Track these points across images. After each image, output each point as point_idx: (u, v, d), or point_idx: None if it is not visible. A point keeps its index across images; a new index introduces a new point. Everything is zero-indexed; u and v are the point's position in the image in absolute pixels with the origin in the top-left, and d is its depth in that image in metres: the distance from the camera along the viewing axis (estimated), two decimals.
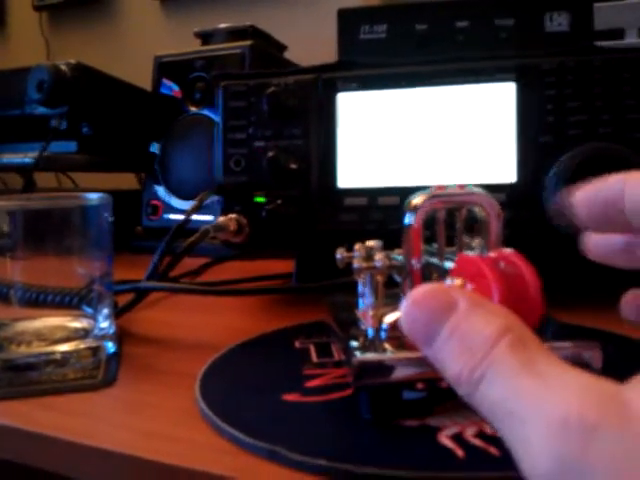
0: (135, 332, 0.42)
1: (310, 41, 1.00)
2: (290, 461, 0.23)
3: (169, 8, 1.34)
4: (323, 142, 0.46)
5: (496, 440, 0.23)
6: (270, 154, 0.46)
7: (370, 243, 0.30)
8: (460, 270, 0.24)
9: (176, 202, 0.79)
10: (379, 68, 0.47)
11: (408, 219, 0.27)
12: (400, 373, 0.25)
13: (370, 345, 0.27)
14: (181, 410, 0.29)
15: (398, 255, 0.28)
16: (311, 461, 0.23)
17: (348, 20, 0.63)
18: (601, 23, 0.67)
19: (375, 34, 0.63)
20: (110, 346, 0.37)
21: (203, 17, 1.26)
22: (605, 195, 0.22)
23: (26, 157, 0.74)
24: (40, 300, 0.35)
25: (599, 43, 0.47)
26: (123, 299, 0.43)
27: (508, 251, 0.24)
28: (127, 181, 0.91)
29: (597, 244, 0.26)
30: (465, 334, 0.17)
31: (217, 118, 0.50)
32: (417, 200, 0.27)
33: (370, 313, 0.29)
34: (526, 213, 0.43)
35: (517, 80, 0.43)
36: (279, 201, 0.46)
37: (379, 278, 0.29)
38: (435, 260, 0.28)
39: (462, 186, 0.27)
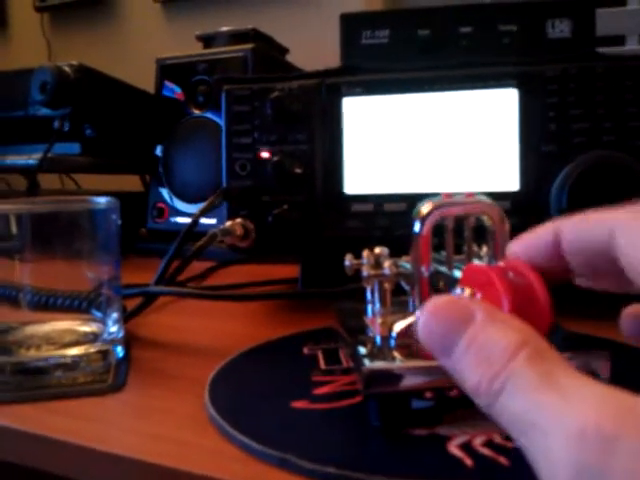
0: (143, 336, 0.42)
1: (312, 44, 1.00)
2: (300, 469, 0.23)
3: (171, 11, 1.35)
4: (328, 147, 0.46)
5: (505, 449, 0.24)
6: (275, 159, 0.46)
7: (378, 250, 0.30)
8: (469, 279, 0.24)
9: (181, 205, 0.79)
10: (383, 73, 0.47)
11: (417, 227, 0.27)
12: (409, 382, 0.25)
13: (378, 352, 0.27)
14: (190, 415, 0.29)
15: (406, 263, 0.29)
16: (321, 469, 0.23)
17: (350, 25, 0.63)
18: (602, 29, 0.68)
19: (377, 39, 0.63)
20: (119, 350, 0.37)
21: (205, 20, 1.26)
22: None
23: (30, 159, 0.74)
24: (49, 304, 0.35)
25: (600, 49, 0.47)
26: (130, 303, 0.43)
27: (516, 260, 0.24)
28: (130, 183, 0.91)
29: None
30: (483, 345, 0.17)
31: (221, 121, 0.50)
32: (426, 208, 0.27)
33: (378, 320, 0.29)
34: (530, 221, 0.43)
35: (519, 87, 0.44)
36: (285, 206, 0.46)
37: (387, 286, 0.29)
38: (443, 268, 0.28)
39: (470, 194, 0.27)
